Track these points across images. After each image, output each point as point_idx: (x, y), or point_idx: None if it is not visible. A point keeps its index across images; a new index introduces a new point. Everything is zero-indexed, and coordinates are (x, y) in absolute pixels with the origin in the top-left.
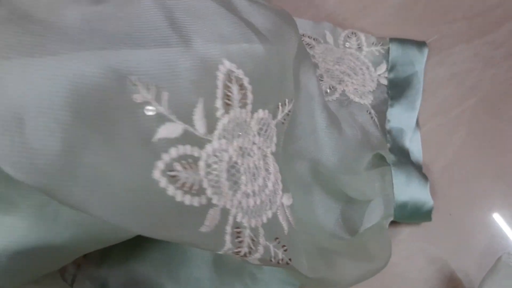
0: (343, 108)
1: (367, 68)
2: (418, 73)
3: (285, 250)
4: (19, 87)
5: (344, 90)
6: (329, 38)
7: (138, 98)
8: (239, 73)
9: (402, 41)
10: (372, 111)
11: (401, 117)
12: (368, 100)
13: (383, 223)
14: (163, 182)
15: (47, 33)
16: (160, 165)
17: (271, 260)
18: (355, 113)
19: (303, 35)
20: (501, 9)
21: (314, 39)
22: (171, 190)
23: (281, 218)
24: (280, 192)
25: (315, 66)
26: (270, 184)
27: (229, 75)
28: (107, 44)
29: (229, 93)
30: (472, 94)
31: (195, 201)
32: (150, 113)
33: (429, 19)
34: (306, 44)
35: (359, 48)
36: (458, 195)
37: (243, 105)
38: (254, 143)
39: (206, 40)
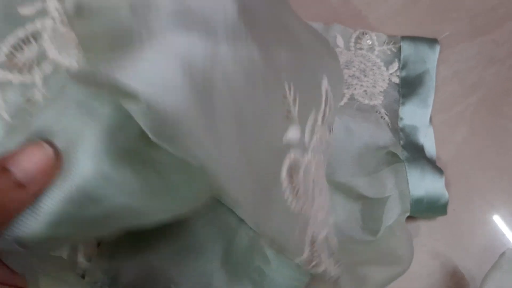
0: (351, 112)
1: (378, 68)
2: (430, 70)
3: (337, 267)
4: None
5: (352, 94)
6: (340, 42)
7: (284, 95)
8: (331, 95)
9: (414, 39)
10: (382, 111)
11: (414, 115)
12: (378, 101)
13: (401, 219)
14: (284, 184)
15: None
16: (285, 166)
17: (329, 273)
18: (364, 115)
19: None
20: (503, 9)
21: None
22: (287, 192)
23: (332, 235)
24: (331, 211)
25: None
26: (327, 201)
27: (326, 94)
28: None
29: (325, 110)
30: (474, 92)
31: (294, 207)
32: (288, 112)
33: (432, 17)
34: None
35: (371, 48)
36: (461, 191)
37: (326, 123)
38: (321, 160)
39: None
